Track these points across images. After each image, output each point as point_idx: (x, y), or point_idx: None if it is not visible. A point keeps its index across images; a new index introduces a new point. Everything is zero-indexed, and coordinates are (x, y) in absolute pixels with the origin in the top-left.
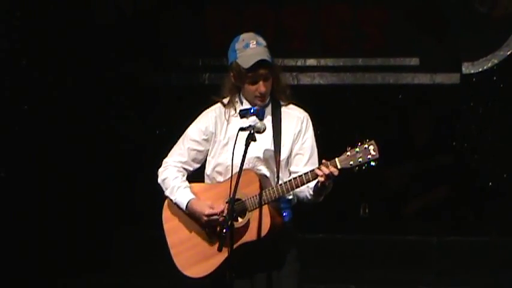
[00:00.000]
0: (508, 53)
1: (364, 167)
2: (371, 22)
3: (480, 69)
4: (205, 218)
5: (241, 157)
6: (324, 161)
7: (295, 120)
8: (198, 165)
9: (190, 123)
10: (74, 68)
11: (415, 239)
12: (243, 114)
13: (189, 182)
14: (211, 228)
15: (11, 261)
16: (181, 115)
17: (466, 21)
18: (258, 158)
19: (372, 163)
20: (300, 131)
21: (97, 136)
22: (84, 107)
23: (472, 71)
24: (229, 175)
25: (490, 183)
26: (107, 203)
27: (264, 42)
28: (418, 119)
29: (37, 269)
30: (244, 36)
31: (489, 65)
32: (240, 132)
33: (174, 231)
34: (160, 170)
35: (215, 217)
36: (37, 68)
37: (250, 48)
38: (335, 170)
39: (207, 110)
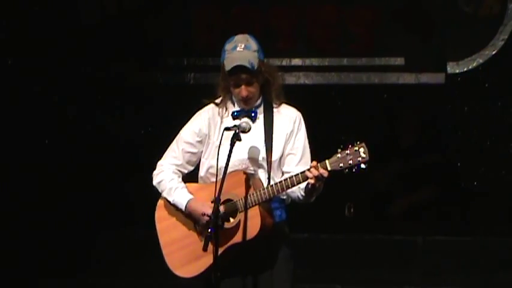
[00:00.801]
0: (493, 52)
1: (354, 170)
2: (356, 22)
3: (465, 69)
4: (206, 218)
5: (227, 157)
6: (314, 162)
7: (288, 120)
8: (192, 167)
9: (179, 123)
10: (61, 68)
11: (401, 239)
12: (236, 116)
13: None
14: (203, 229)
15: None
16: (167, 115)
17: (451, 21)
18: (251, 159)
19: (362, 166)
20: (292, 131)
21: (83, 136)
22: (71, 107)
23: (457, 71)
24: (220, 175)
25: (476, 183)
26: (93, 203)
27: (254, 46)
28: (403, 119)
29: (19, 269)
30: (237, 37)
31: (474, 64)
32: (225, 132)
33: (167, 231)
34: (155, 172)
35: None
36: (23, 69)
37: (236, 51)
38: (325, 172)
39: (200, 111)
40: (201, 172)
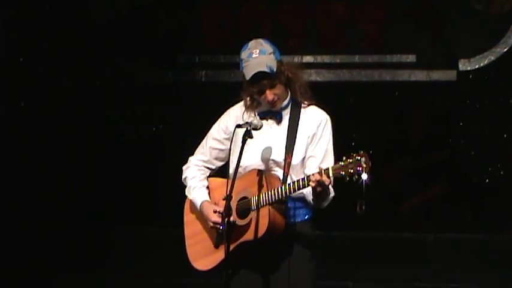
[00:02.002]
0: (505, 50)
1: (354, 179)
2: (368, 19)
3: (477, 66)
4: (211, 225)
5: (238, 154)
6: (319, 167)
7: (313, 123)
8: (221, 163)
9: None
10: (72, 67)
11: (412, 236)
12: (262, 116)
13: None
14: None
15: (8, 259)
16: (178, 112)
17: (463, 18)
18: (273, 160)
19: (363, 176)
20: (315, 134)
21: (94, 134)
22: (81, 105)
23: (469, 68)
24: (242, 173)
25: (487, 181)
26: (104, 202)
27: (269, 49)
28: (414, 116)
29: (32, 267)
30: (251, 44)
31: (486, 62)
32: (237, 129)
33: (192, 223)
34: (184, 167)
35: (218, 224)
36: (35, 67)
37: (252, 58)
38: (327, 178)
39: (231, 109)
40: (230, 170)
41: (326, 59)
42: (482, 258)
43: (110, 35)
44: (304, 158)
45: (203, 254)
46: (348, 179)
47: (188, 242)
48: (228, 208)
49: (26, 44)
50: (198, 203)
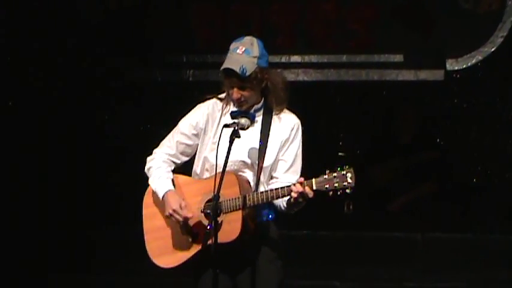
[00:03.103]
0: (492, 49)
1: (338, 193)
2: (355, 19)
3: (464, 66)
4: (170, 211)
5: (226, 154)
6: (301, 179)
7: (285, 128)
8: (186, 158)
9: (178, 120)
10: (59, 65)
11: (400, 236)
12: (234, 115)
13: (177, 173)
14: (183, 222)
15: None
16: (165, 111)
17: (451, 18)
18: (243, 162)
19: (347, 191)
20: (287, 138)
21: (80, 132)
22: (69, 103)
23: (456, 68)
24: (212, 171)
25: (475, 180)
26: (88, 201)
27: (255, 52)
28: (402, 116)
29: (22, 267)
30: (244, 39)
31: (473, 61)
32: (224, 129)
33: (152, 217)
34: (148, 158)
35: (177, 216)
36: (22, 66)
37: (234, 54)
38: (310, 191)
39: (201, 104)
40: (196, 167)
41: (314, 58)
42: (471, 257)
43: (98, 34)
44: (274, 162)
45: (166, 251)
46: (331, 193)
47: (147, 237)
48: (215, 207)
49: (15, 44)
50: (161, 192)
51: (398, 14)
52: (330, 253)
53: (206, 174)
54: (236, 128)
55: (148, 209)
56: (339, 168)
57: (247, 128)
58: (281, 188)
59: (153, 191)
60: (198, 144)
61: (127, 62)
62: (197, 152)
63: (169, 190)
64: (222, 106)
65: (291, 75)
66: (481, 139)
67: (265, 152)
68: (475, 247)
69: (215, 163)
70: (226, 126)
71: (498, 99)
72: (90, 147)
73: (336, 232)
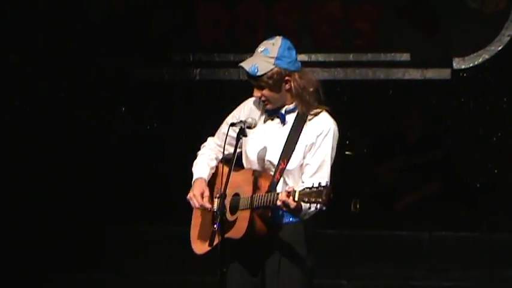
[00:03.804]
0: (499, 48)
1: (315, 207)
2: (362, 18)
3: (471, 65)
4: (190, 195)
5: (233, 152)
6: (290, 188)
7: (313, 132)
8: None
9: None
10: (66, 65)
11: (407, 235)
12: (269, 114)
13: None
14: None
15: (3, 258)
16: (172, 110)
17: (457, 17)
18: (270, 162)
19: (318, 206)
20: (313, 143)
21: (89, 132)
22: (76, 103)
23: (463, 67)
24: (252, 167)
25: (481, 179)
26: (98, 200)
27: (273, 53)
28: (409, 115)
29: (28, 266)
30: (272, 38)
31: (480, 60)
32: (231, 127)
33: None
34: (202, 145)
35: (194, 201)
36: (28, 66)
37: (256, 53)
38: (292, 202)
39: (246, 100)
40: (243, 162)
41: (320, 57)
42: (477, 256)
43: (105, 34)
44: (302, 164)
45: (199, 238)
46: (309, 206)
47: (193, 222)
48: (222, 207)
49: (20, 44)
50: (194, 178)
51: (404, 13)
52: (337, 252)
53: (248, 167)
54: (243, 126)
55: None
56: (320, 182)
57: (254, 126)
58: (271, 193)
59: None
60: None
61: (134, 61)
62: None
63: (199, 177)
64: (263, 105)
65: None
66: (488, 138)
67: (290, 155)
68: (481, 246)
69: (257, 158)
70: (232, 124)
71: (505, 98)
72: (96, 147)
73: (343, 231)
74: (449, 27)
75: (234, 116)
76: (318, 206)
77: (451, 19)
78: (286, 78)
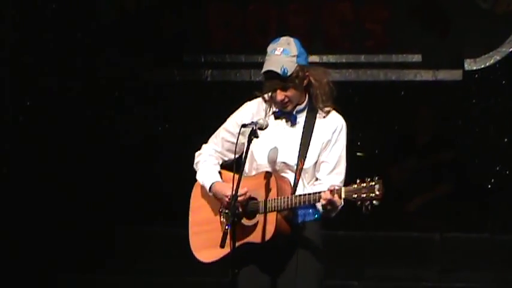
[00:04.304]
0: (510, 49)
1: (366, 204)
2: (373, 19)
3: (482, 66)
4: (226, 200)
5: (244, 153)
6: (331, 186)
7: (328, 129)
8: (233, 155)
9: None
10: (77, 65)
11: (418, 236)
12: (277, 115)
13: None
14: (223, 213)
15: (9, 259)
16: (184, 111)
17: (469, 18)
18: (284, 163)
19: (374, 202)
20: (329, 140)
21: (99, 132)
22: (87, 103)
23: (475, 68)
24: (260, 170)
25: (493, 180)
26: (107, 200)
27: (293, 51)
28: (420, 116)
29: (37, 266)
30: (281, 40)
31: (491, 61)
32: (242, 128)
33: (198, 210)
34: (196, 153)
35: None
36: (39, 67)
37: (273, 55)
38: (338, 199)
39: (247, 103)
40: (246, 167)
41: (332, 58)
42: (488, 257)
43: (116, 35)
44: (316, 162)
45: (207, 245)
46: (359, 203)
47: (192, 230)
48: (234, 207)
49: (32, 44)
50: (208, 183)
51: (416, 14)
52: (348, 253)
53: (253, 172)
54: (254, 128)
55: (196, 201)
56: (368, 179)
57: (266, 127)
58: (313, 193)
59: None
60: (243, 143)
61: (145, 62)
62: (243, 150)
63: (216, 181)
64: (266, 107)
65: None
66: (499, 139)
67: (306, 154)
68: (492, 247)
69: (266, 162)
70: (244, 126)
71: None
72: (106, 147)
73: (354, 232)
74: (460, 28)
75: (235, 122)
76: (375, 202)
77: (463, 20)
78: (306, 74)
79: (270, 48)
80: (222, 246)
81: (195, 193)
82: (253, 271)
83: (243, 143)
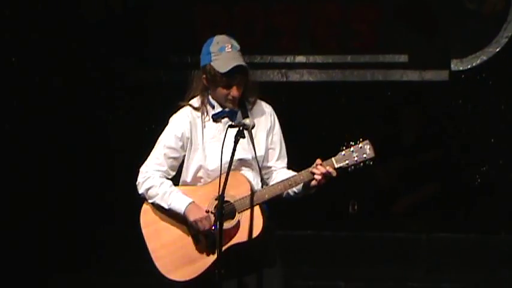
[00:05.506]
0: (497, 50)
1: (359, 167)
2: (360, 19)
3: (469, 66)
4: (195, 220)
5: (230, 155)
6: (318, 160)
7: (265, 116)
8: (174, 173)
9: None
10: (63, 66)
11: (404, 236)
12: (216, 118)
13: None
14: (200, 234)
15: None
16: (170, 112)
17: (455, 18)
18: (241, 160)
19: (368, 162)
20: (270, 126)
21: (84, 133)
22: (72, 104)
23: (461, 68)
24: (212, 178)
25: (479, 180)
26: (95, 201)
27: (238, 46)
28: (407, 116)
29: (28, 266)
30: (218, 38)
31: (478, 61)
32: (229, 129)
33: (155, 235)
34: (139, 180)
35: (205, 224)
36: (26, 67)
37: (226, 52)
38: (333, 170)
39: (179, 115)
40: (187, 177)
41: (318, 59)
42: (474, 258)
43: (102, 35)
44: (265, 151)
45: (179, 264)
46: (353, 168)
47: (155, 255)
48: (220, 208)
49: (18, 44)
50: (181, 207)
51: (402, 15)
52: (334, 253)
53: (201, 181)
54: (241, 128)
55: (150, 227)
56: (353, 143)
57: (252, 128)
58: (299, 173)
59: (150, 208)
60: (183, 156)
61: (131, 62)
62: (185, 162)
63: (190, 203)
64: (201, 113)
65: (295, 76)
66: (485, 139)
67: (256, 144)
68: (479, 247)
69: (218, 167)
70: (231, 126)
71: (503, 100)
72: (92, 148)
73: (341, 232)
74: (447, 29)
75: (176, 136)
76: (368, 162)
77: (449, 20)
78: None
79: (214, 48)
80: (211, 249)
81: (145, 220)
82: (238, 272)
83: (183, 156)
